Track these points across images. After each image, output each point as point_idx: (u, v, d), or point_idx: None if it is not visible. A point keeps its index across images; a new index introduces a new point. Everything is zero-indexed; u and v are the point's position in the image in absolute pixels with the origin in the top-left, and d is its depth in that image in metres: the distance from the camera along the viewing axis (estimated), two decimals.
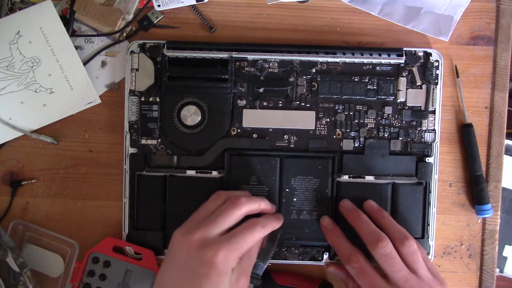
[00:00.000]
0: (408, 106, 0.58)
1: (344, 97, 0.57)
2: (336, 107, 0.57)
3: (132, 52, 0.57)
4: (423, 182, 0.58)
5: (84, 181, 0.59)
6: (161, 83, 0.57)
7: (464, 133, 0.59)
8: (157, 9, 0.58)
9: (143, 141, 0.57)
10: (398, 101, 0.58)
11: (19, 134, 0.59)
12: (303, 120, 0.57)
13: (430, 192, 0.57)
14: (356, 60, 0.57)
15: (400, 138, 0.57)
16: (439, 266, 0.60)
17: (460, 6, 0.59)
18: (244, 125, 0.57)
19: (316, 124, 0.57)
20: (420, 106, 0.58)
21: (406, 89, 0.58)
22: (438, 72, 0.58)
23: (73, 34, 0.59)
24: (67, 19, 0.58)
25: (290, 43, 0.58)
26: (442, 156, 0.59)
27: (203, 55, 0.57)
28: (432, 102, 0.57)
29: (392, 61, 0.57)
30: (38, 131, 0.59)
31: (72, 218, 0.59)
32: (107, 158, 0.59)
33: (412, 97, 0.58)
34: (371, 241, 0.51)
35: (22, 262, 0.55)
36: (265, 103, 0.57)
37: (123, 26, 0.58)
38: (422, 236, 0.58)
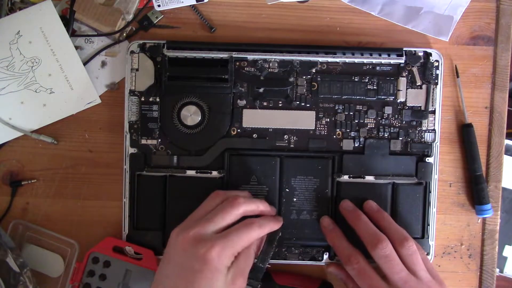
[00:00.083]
0: (408, 106, 0.58)
1: (344, 97, 0.57)
2: (336, 107, 0.57)
3: (132, 52, 0.57)
4: (423, 182, 0.58)
5: (84, 181, 0.59)
6: (161, 83, 0.57)
7: (464, 133, 0.59)
8: (157, 9, 0.58)
9: (143, 141, 0.57)
10: (398, 101, 0.58)
11: (19, 134, 0.59)
12: (303, 120, 0.57)
13: (430, 192, 0.57)
14: (356, 60, 0.57)
15: (400, 138, 0.57)
16: (439, 266, 0.60)
17: (460, 6, 0.59)
18: (244, 125, 0.57)
19: (316, 124, 0.57)
20: (420, 106, 0.58)
21: (406, 89, 0.58)
22: (438, 72, 0.58)
23: (73, 34, 0.59)
24: (67, 19, 0.58)
25: (290, 43, 0.58)
26: (442, 156, 0.59)
27: (203, 55, 0.57)
28: (432, 102, 0.57)
29: (392, 61, 0.57)
30: (38, 131, 0.59)
31: (72, 218, 0.59)
32: (107, 158, 0.59)
33: (412, 97, 0.58)
34: (370, 242, 0.51)
35: (22, 262, 0.55)
36: (265, 103, 0.57)
37: (123, 26, 0.58)
38: (422, 236, 0.58)
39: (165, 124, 0.57)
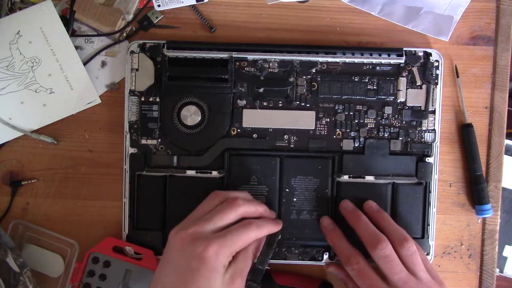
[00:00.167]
0: (408, 106, 0.58)
1: (344, 97, 0.57)
2: (336, 107, 0.57)
3: (132, 52, 0.57)
4: (423, 182, 0.58)
5: (84, 181, 0.59)
6: (161, 83, 0.57)
7: (464, 133, 0.59)
8: (157, 9, 0.58)
9: (143, 141, 0.57)
10: (398, 101, 0.57)
11: (19, 134, 0.59)
12: (303, 120, 0.57)
13: (430, 192, 0.57)
14: (356, 60, 0.57)
15: (400, 138, 0.57)
16: (439, 266, 0.60)
17: (460, 6, 0.59)
18: (244, 125, 0.57)
19: (316, 124, 0.57)
20: (420, 106, 0.58)
21: (406, 89, 0.58)
22: (438, 72, 0.58)
23: (73, 34, 0.59)
24: (67, 19, 0.58)
25: (290, 43, 0.58)
26: (442, 156, 0.59)
27: (203, 55, 0.57)
28: (432, 102, 0.57)
29: (392, 61, 0.57)
30: (38, 131, 0.59)
31: (72, 218, 0.59)
32: (107, 158, 0.59)
33: (412, 97, 0.58)
34: (370, 242, 0.51)
35: (22, 262, 0.55)
36: (265, 103, 0.57)
37: (123, 26, 0.58)
38: (422, 236, 0.58)
39: (165, 124, 0.57)
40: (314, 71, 0.57)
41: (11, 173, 0.59)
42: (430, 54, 0.57)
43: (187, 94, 0.57)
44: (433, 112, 0.58)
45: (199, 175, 0.57)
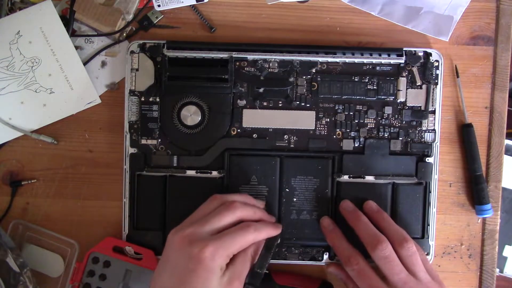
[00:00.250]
0: (408, 106, 0.58)
1: (344, 97, 0.57)
2: (336, 107, 0.57)
3: (132, 52, 0.57)
4: (423, 182, 0.58)
5: (84, 181, 0.59)
6: (161, 83, 0.57)
7: (464, 133, 0.59)
8: (157, 9, 0.58)
9: (143, 141, 0.57)
10: (398, 101, 0.57)
11: (19, 134, 0.59)
12: (303, 120, 0.57)
13: (430, 192, 0.57)
14: (356, 60, 0.57)
15: (400, 138, 0.57)
16: (439, 266, 0.60)
17: (460, 6, 0.59)
18: (244, 125, 0.57)
19: (316, 124, 0.57)
20: (420, 106, 0.58)
21: (406, 89, 0.58)
22: (438, 72, 0.58)
23: (73, 34, 0.59)
24: (67, 19, 0.58)
25: (290, 43, 0.58)
26: (442, 156, 0.59)
27: (203, 55, 0.57)
28: (432, 102, 0.57)
29: (392, 61, 0.57)
30: (38, 131, 0.59)
31: (72, 218, 0.59)
32: (107, 158, 0.59)
33: (412, 97, 0.58)
34: (370, 243, 0.51)
35: (22, 262, 0.55)
36: (265, 103, 0.57)
37: (123, 26, 0.58)
38: (422, 236, 0.58)
39: (165, 124, 0.57)
40: (314, 71, 0.57)
41: (11, 173, 0.59)
42: (430, 54, 0.57)
43: (187, 94, 0.57)
44: (433, 112, 0.58)
45: (199, 175, 0.57)
